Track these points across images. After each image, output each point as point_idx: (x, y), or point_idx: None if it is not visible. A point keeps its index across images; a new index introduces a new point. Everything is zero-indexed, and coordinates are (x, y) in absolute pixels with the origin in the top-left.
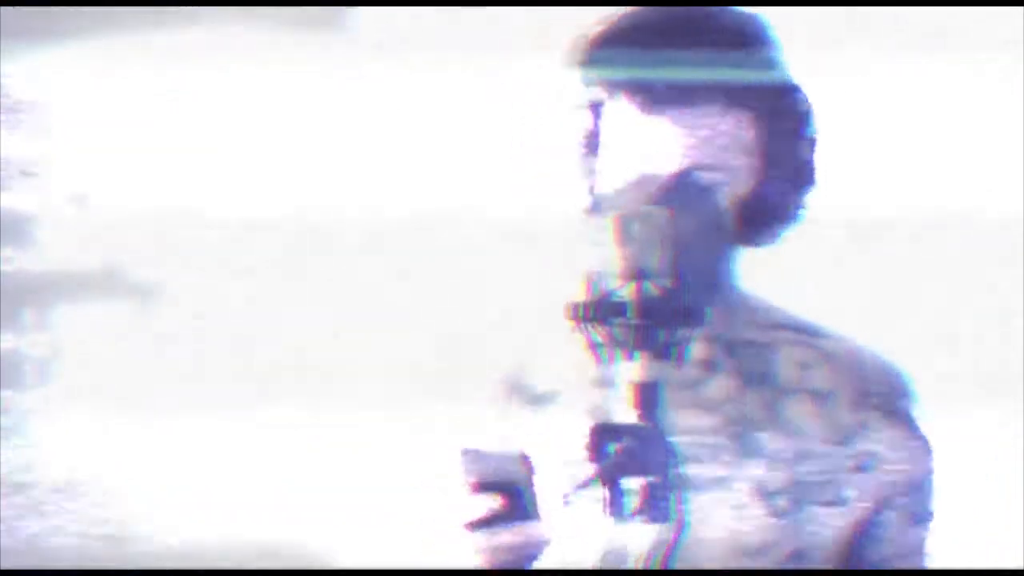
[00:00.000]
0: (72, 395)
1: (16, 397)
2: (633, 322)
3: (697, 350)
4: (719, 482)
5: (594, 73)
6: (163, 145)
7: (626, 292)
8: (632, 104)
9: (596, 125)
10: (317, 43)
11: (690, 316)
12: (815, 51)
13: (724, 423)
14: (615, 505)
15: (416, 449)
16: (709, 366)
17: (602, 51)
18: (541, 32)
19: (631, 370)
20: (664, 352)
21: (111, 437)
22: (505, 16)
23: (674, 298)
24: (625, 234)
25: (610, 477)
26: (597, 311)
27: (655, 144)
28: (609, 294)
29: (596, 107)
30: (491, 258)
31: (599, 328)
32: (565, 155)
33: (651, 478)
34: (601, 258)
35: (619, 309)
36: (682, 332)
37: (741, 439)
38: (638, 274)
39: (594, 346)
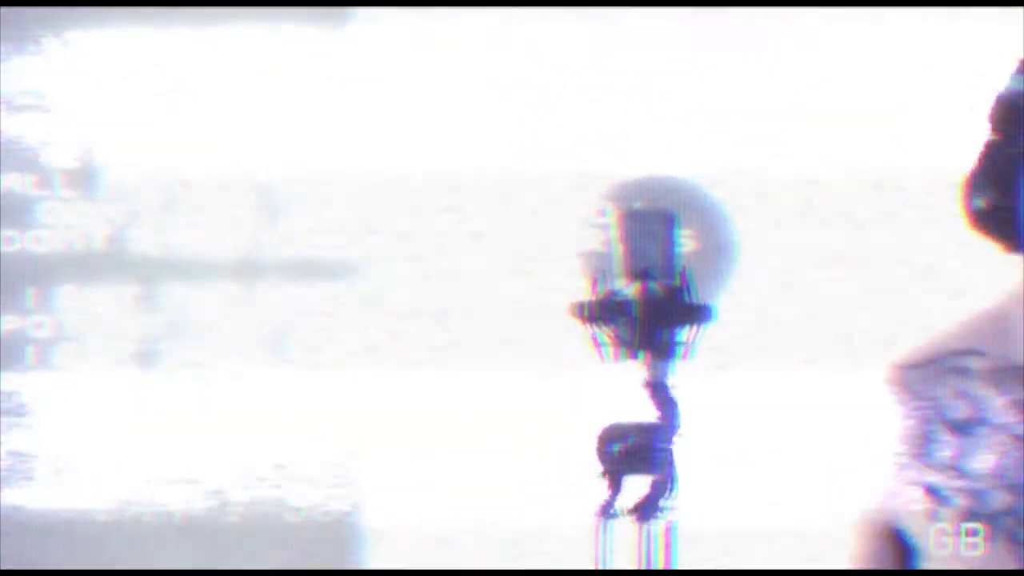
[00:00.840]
0: (76, 377)
1: (19, 379)
2: (638, 321)
3: None
4: None
5: None
6: (165, 137)
7: (631, 291)
8: None
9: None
10: (317, 42)
11: (694, 315)
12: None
13: None
14: (613, 501)
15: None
16: None
17: None
18: (539, 29)
19: (636, 369)
20: (669, 351)
21: (115, 419)
22: (505, 15)
23: (679, 297)
24: (629, 232)
25: (613, 475)
26: (602, 310)
27: None
28: (614, 293)
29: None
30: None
31: (604, 327)
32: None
33: (653, 476)
34: (605, 256)
35: (624, 308)
36: (686, 331)
37: None
38: (643, 273)
39: (599, 345)
